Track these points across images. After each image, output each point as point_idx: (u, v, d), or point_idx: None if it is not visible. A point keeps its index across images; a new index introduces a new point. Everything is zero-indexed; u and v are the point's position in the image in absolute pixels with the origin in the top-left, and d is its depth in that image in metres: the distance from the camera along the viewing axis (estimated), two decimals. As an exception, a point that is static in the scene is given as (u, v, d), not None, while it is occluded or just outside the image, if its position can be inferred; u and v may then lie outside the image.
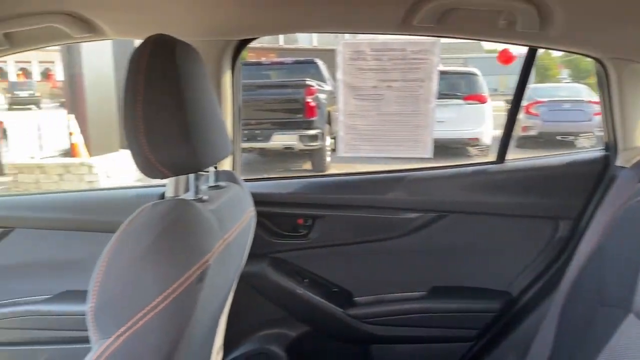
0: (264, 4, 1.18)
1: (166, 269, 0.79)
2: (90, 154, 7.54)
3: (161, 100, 0.81)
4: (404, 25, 1.26)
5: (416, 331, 1.57)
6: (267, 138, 7.08)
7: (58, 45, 1.36)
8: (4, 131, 9.08)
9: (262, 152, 7.41)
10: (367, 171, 1.62)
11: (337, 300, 1.57)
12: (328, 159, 7.34)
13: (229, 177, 1.18)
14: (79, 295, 1.54)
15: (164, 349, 0.80)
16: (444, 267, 1.60)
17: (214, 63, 1.33)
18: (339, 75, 1.49)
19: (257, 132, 7.06)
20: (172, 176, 0.89)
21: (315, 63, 8.21)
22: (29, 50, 1.30)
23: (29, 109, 19.07)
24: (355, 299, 1.61)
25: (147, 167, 0.84)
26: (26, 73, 27.30)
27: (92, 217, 1.55)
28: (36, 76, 26.90)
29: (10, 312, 1.55)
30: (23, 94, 22.39)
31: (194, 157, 0.85)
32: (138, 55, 0.81)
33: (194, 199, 0.93)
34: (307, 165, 7.42)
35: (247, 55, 13.84)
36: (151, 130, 0.81)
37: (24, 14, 1.14)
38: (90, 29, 1.22)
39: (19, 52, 1.30)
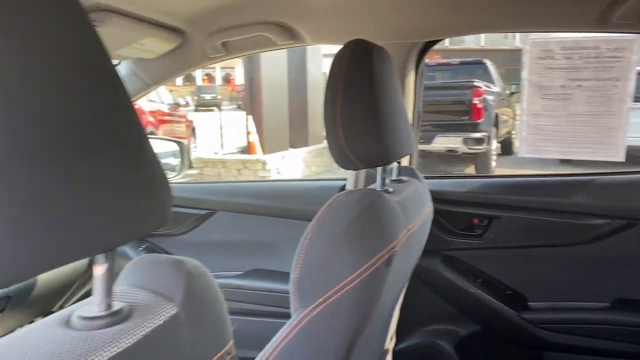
0: (455, 5, 1.22)
1: (359, 250, 0.87)
2: (264, 152, 8.20)
3: (357, 99, 0.90)
4: (601, 22, 1.21)
5: (599, 343, 1.48)
6: (429, 140, 7.02)
7: (262, 51, 1.55)
8: (193, 130, 10.24)
9: (423, 154, 7.37)
10: (550, 173, 1.56)
11: (510, 302, 1.54)
12: (493, 163, 7.06)
13: (410, 172, 1.23)
14: (267, 274, 1.72)
15: (354, 322, 0.88)
16: (633, 278, 1.48)
17: (400, 64, 1.40)
18: (525, 74, 1.46)
19: (419, 133, 7.04)
20: (363, 168, 0.97)
21: (483, 64, 7.94)
22: (239, 56, 1.50)
23: (212, 110, 21.22)
24: (530, 303, 1.56)
25: (342, 158, 0.93)
26: (210, 78, 30.45)
27: (281, 205, 1.73)
28: (218, 81, 29.89)
29: None
30: (207, 96, 25.03)
31: (383, 151, 0.93)
32: (339, 58, 0.91)
33: (381, 190, 1.00)
34: (470, 170, 7.22)
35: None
36: (348, 125, 0.90)
37: (240, 25, 1.33)
38: (293, 37, 1.37)
39: (231, 59, 1.51)
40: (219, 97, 23.93)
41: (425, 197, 1.19)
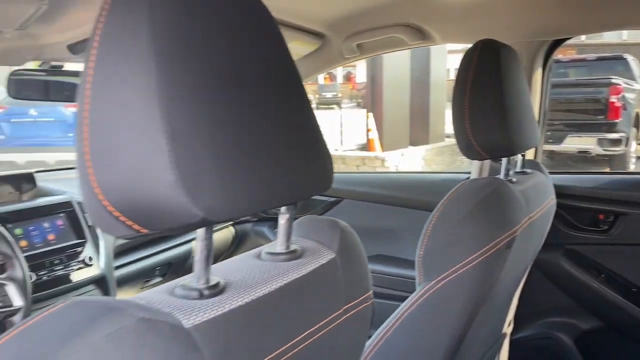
0: (585, 2, 1.24)
1: (482, 232, 0.95)
2: (383, 149, 8.30)
3: (484, 94, 0.99)
4: None
5: None
6: (559, 140, 6.67)
7: (394, 51, 1.67)
8: (316, 126, 10.60)
9: (552, 154, 7.01)
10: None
11: (636, 300, 1.51)
12: (632, 166, 6.53)
13: (535, 165, 1.28)
14: (388, 259, 1.84)
15: (474, 297, 0.97)
16: None
17: (528, 62, 1.44)
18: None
19: (548, 133, 6.71)
20: (488, 158, 1.05)
21: (624, 59, 7.34)
22: (372, 56, 1.63)
23: (332, 108, 21.71)
24: None
25: (469, 149, 1.02)
26: (331, 76, 31.13)
27: (404, 195, 1.84)
28: (339, 79, 30.46)
29: None
30: (328, 95, 25.62)
31: (508, 143, 1.00)
32: (469, 56, 1.00)
33: (505, 179, 1.08)
34: (605, 173, 6.74)
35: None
36: (474, 118, 0.99)
37: (375, 28, 1.46)
38: (424, 37, 1.47)
39: (364, 58, 1.65)
40: (339, 95, 24.37)
41: (547, 190, 1.23)
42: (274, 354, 0.48)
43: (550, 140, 6.68)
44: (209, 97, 0.43)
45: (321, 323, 0.56)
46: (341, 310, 0.60)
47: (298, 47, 1.54)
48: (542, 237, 1.26)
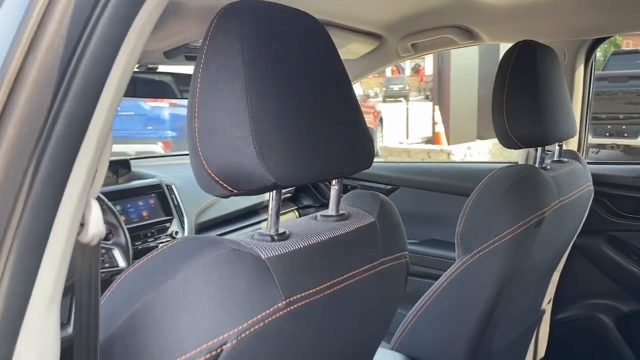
0: (621, 4, 1.32)
1: (513, 211, 1.09)
2: (449, 142, 8.29)
3: (520, 90, 1.12)
4: None
5: None
6: (635, 134, 6.41)
7: (445, 50, 1.80)
8: (381, 120, 10.71)
9: (628, 149, 6.75)
10: None
11: None
12: None
13: (573, 155, 1.39)
14: (439, 243, 1.97)
15: (506, 269, 1.10)
16: None
17: (570, 60, 1.54)
18: None
19: (623, 127, 6.46)
20: (522, 147, 1.18)
21: None
22: (425, 54, 1.77)
23: (399, 101, 21.61)
24: None
25: (505, 138, 1.16)
26: (399, 69, 30.88)
27: (456, 183, 1.96)
28: (407, 71, 30.17)
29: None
30: (395, 87, 25.45)
31: (542, 134, 1.13)
32: (508, 56, 1.14)
33: (538, 167, 1.20)
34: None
35: (622, 43, 12.44)
36: (511, 111, 1.12)
37: (428, 29, 1.60)
38: (473, 37, 1.59)
39: (417, 57, 1.79)
40: (407, 87, 24.16)
41: (583, 176, 1.34)
42: (324, 285, 0.66)
43: (627, 135, 6.43)
44: (279, 97, 0.61)
45: (362, 268, 0.73)
46: (378, 262, 0.77)
47: (358, 47, 1.71)
48: (580, 221, 1.36)
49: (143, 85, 1.65)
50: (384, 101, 24.10)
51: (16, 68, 0.45)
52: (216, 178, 0.60)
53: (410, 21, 1.59)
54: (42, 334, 0.48)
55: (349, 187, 2.13)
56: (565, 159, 1.34)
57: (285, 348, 0.63)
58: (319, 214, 0.77)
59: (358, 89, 10.12)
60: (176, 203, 1.72)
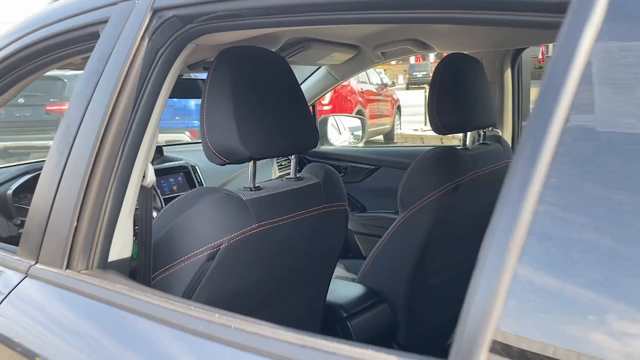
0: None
1: (435, 179, 1.51)
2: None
3: (449, 91, 1.55)
4: None
5: None
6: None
7: (406, 56, 2.23)
8: (399, 107, 11.04)
9: None
10: None
11: None
12: None
13: (496, 139, 1.81)
14: None
15: (431, 221, 1.51)
16: None
17: (499, 65, 1.96)
18: None
19: None
20: (448, 133, 1.60)
21: None
22: (392, 60, 2.21)
23: (423, 88, 21.64)
24: None
25: (435, 126, 1.56)
26: (423, 56, 30.79)
27: None
28: (431, 58, 30.11)
29: (370, 216, 2.55)
30: (419, 74, 25.48)
31: (462, 123, 1.55)
32: (439, 65, 1.56)
33: (460, 148, 1.62)
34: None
35: None
36: (439, 104, 1.55)
37: (393, 41, 2.03)
38: (426, 47, 2.02)
39: (386, 62, 2.23)
40: (429, 74, 24.16)
41: (502, 155, 1.74)
42: (283, 217, 1.13)
43: None
44: (254, 105, 1.08)
45: (309, 209, 1.20)
46: (321, 207, 1.23)
47: (340, 55, 2.15)
48: (498, 190, 1.78)
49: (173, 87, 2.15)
50: (407, 88, 24.12)
51: (112, 102, 0.94)
52: (215, 153, 1.08)
53: (379, 36, 2.03)
54: (125, 229, 0.97)
55: (341, 168, 2.58)
56: (489, 142, 1.76)
57: (258, 253, 1.11)
58: (284, 177, 1.24)
59: (376, 78, 10.48)
60: (199, 180, 2.22)
